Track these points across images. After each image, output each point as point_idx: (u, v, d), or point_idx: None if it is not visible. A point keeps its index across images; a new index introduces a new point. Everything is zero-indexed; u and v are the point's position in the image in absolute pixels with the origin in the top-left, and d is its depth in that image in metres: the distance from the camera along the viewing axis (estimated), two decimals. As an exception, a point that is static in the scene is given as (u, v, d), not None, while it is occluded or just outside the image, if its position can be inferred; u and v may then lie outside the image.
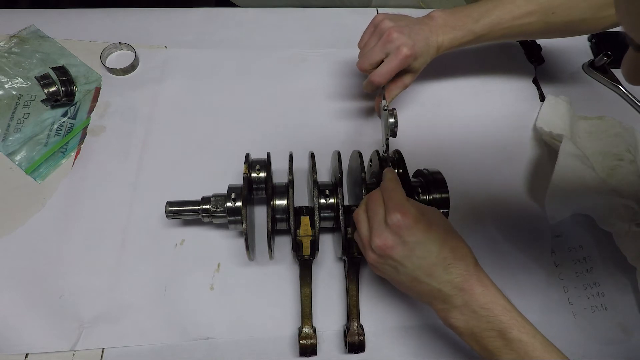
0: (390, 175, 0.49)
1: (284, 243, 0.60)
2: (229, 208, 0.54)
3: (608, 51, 0.75)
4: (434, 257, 0.43)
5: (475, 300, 0.42)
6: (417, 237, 0.43)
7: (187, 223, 0.61)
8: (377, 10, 0.61)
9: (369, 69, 0.59)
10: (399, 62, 0.56)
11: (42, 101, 0.66)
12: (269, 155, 0.58)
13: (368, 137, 0.70)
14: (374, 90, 0.63)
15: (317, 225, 0.52)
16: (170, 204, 0.56)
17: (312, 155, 0.56)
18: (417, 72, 0.62)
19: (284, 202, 0.55)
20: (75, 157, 0.64)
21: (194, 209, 0.56)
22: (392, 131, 0.55)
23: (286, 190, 0.55)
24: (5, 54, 0.70)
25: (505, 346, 0.41)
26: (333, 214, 0.55)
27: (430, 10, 0.62)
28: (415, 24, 0.59)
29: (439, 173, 0.57)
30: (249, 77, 0.73)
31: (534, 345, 0.40)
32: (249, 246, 0.52)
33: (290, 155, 0.55)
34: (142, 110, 0.69)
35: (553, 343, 0.42)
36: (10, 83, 0.68)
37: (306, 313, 0.53)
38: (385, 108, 0.56)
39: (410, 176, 0.57)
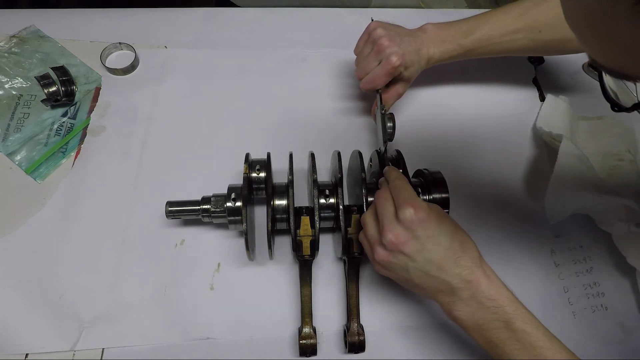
0: (395, 173, 0.49)
1: (284, 243, 0.60)
2: (229, 208, 0.54)
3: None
4: (444, 250, 0.43)
5: (481, 291, 0.42)
6: (429, 231, 0.43)
7: (187, 223, 0.61)
8: (372, 19, 0.62)
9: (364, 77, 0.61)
10: (387, 70, 0.58)
11: (42, 101, 0.66)
12: (269, 155, 0.58)
13: (368, 137, 0.70)
14: (370, 91, 0.64)
15: (317, 225, 0.52)
16: (170, 204, 0.56)
17: (312, 155, 0.56)
18: (409, 81, 0.63)
19: (284, 202, 0.55)
20: (75, 157, 0.64)
21: (194, 209, 0.56)
22: (390, 135, 0.55)
23: (286, 190, 0.55)
24: (5, 54, 0.70)
25: (511, 337, 0.41)
26: (333, 214, 0.55)
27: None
28: (407, 35, 0.61)
29: (439, 173, 0.57)
30: (249, 77, 0.73)
31: (537, 336, 0.41)
32: (249, 246, 0.52)
33: (290, 155, 0.55)
34: (142, 110, 0.69)
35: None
36: (10, 83, 0.68)
37: (306, 313, 0.53)
38: (383, 111, 0.56)
39: (410, 176, 0.57)
